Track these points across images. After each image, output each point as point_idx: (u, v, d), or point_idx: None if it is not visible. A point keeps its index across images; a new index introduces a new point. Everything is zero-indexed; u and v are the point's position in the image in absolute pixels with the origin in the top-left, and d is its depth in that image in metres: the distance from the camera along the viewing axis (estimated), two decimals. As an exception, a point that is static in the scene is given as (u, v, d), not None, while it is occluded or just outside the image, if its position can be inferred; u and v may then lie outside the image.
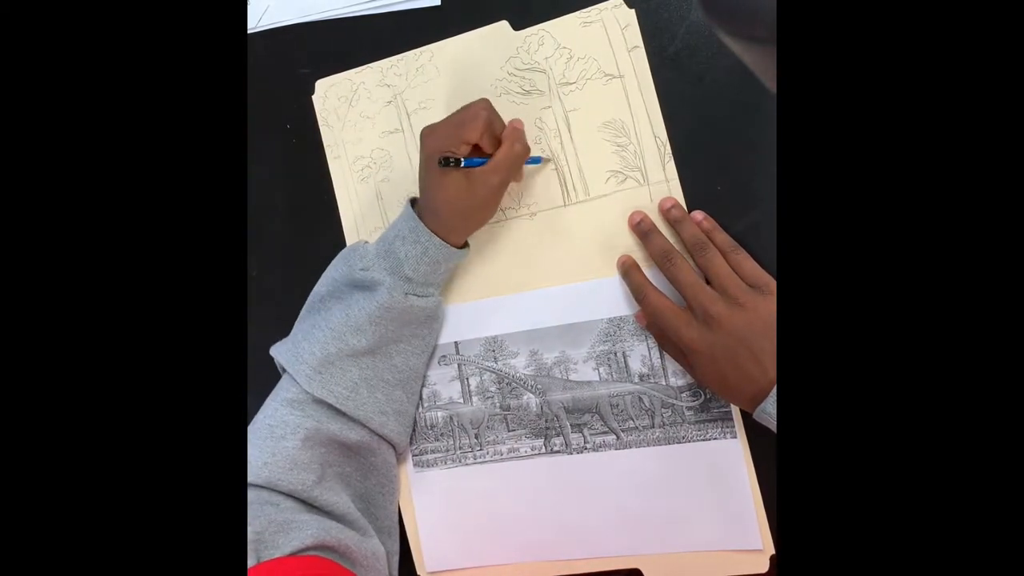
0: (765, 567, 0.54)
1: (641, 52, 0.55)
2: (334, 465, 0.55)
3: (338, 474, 0.56)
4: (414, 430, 0.62)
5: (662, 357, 0.56)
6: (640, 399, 0.56)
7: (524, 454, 0.59)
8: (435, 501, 0.62)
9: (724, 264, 0.51)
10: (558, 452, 0.58)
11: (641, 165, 0.56)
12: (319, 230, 0.64)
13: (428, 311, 0.58)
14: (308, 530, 0.49)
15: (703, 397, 0.55)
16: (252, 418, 0.56)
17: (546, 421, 0.59)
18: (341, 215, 0.64)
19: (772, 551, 0.53)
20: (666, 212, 0.55)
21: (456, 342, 0.61)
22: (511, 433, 0.60)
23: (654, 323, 0.54)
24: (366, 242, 0.59)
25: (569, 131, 0.58)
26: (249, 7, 0.65)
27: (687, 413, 0.55)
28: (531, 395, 0.59)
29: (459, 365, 0.61)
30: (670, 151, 0.55)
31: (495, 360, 0.60)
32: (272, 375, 0.58)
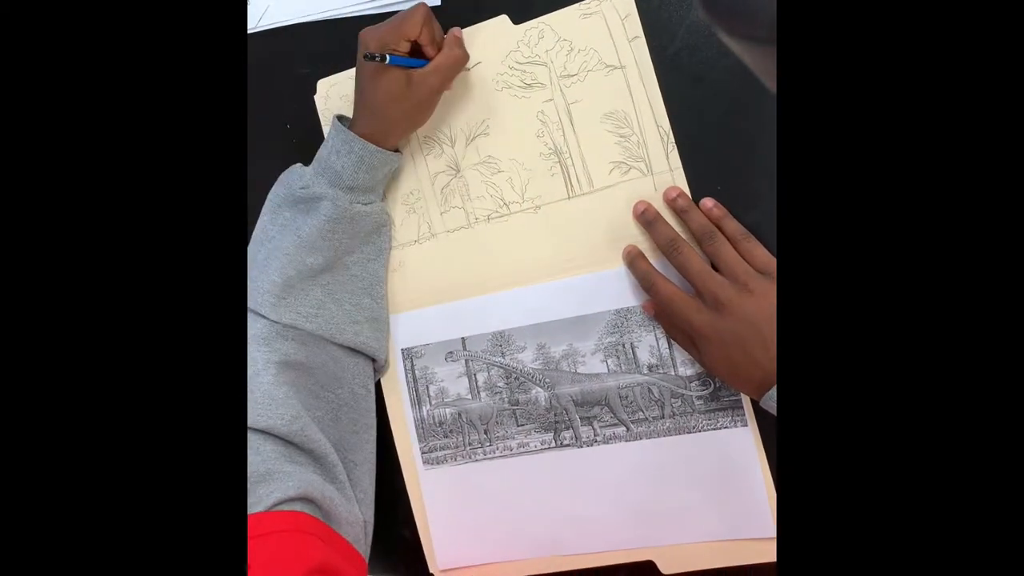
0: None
1: (642, 42, 0.55)
2: (309, 408, 0.55)
3: (313, 419, 0.55)
4: (422, 428, 0.61)
5: (670, 347, 0.56)
6: (649, 390, 0.56)
7: (534, 449, 0.59)
8: (446, 498, 0.61)
9: (732, 251, 0.51)
10: (568, 446, 0.58)
11: (644, 155, 0.56)
12: (323, 229, 0.64)
13: (374, 216, 0.59)
14: (290, 481, 0.49)
15: (713, 386, 0.55)
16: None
17: (555, 415, 0.58)
18: (345, 214, 0.63)
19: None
20: (671, 202, 0.54)
21: (463, 338, 0.60)
22: (520, 428, 0.59)
23: (662, 312, 0.54)
24: (301, 164, 0.59)
25: (571, 123, 0.57)
26: (249, 7, 0.65)
27: (697, 403, 0.55)
28: (540, 389, 0.59)
29: (466, 361, 0.61)
30: (673, 140, 0.55)
31: (502, 355, 0.60)
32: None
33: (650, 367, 0.56)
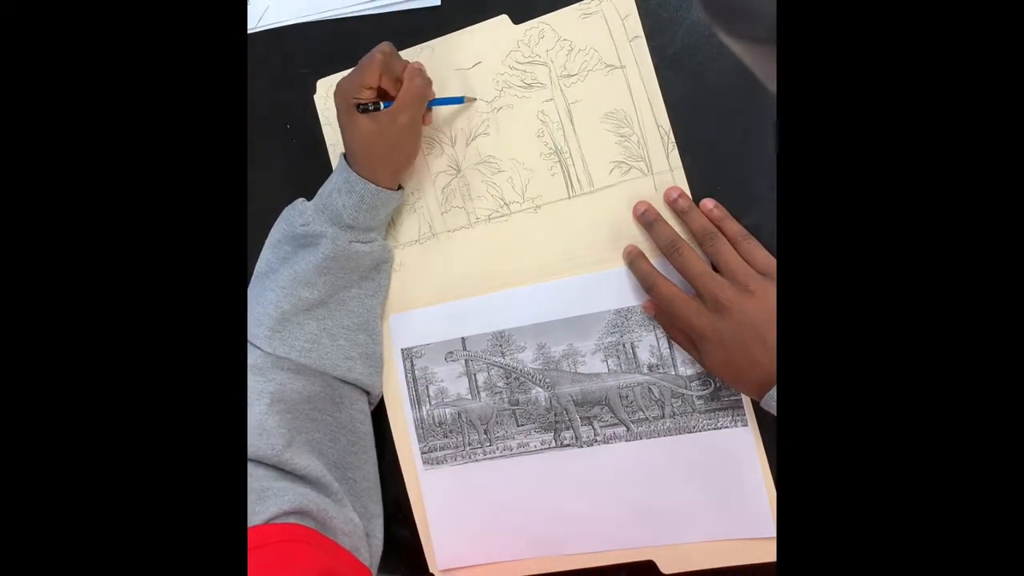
0: (779, 555, 0.53)
1: (642, 42, 0.55)
2: (302, 432, 0.55)
3: (307, 441, 0.55)
4: (422, 428, 0.61)
5: (671, 347, 0.56)
6: (650, 390, 0.56)
7: (534, 449, 0.59)
8: (446, 498, 0.61)
9: (732, 252, 0.51)
10: (568, 446, 0.58)
11: (645, 155, 0.56)
12: (322, 229, 0.64)
13: (374, 255, 0.59)
14: (285, 496, 0.49)
15: (713, 386, 0.55)
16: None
17: (555, 415, 0.58)
18: (345, 214, 0.63)
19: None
20: (672, 202, 0.54)
21: (463, 338, 0.60)
22: (520, 428, 0.59)
23: (663, 312, 0.54)
24: (303, 199, 0.60)
25: (572, 123, 0.57)
26: (249, 7, 0.65)
27: (697, 402, 0.55)
28: (540, 389, 0.59)
29: (466, 361, 0.61)
30: (673, 140, 0.55)
31: (502, 355, 0.60)
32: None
33: (650, 367, 0.56)
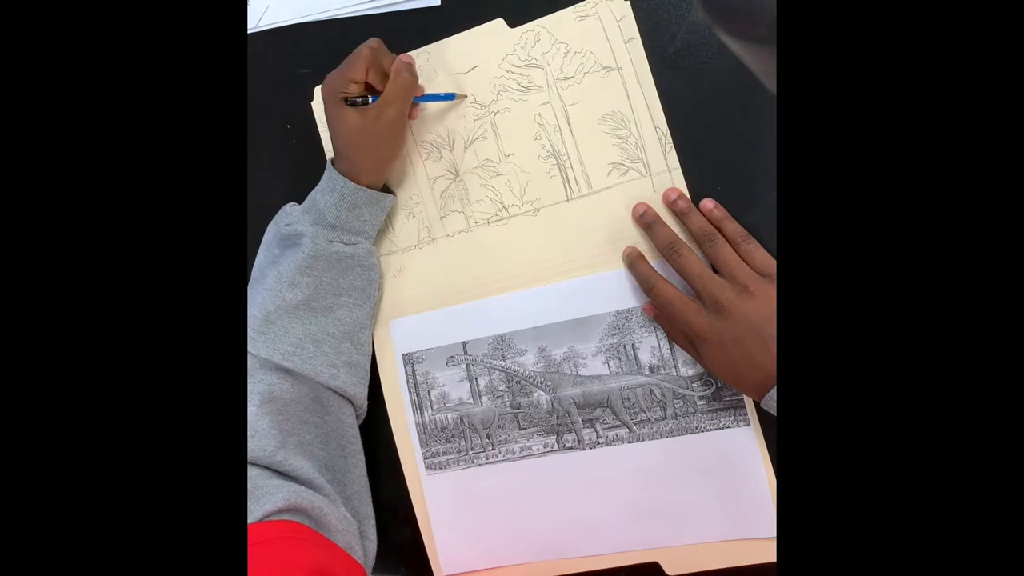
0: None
1: (638, 43, 0.55)
2: (293, 434, 0.55)
3: (298, 443, 0.55)
4: (424, 433, 0.61)
5: (672, 348, 0.55)
6: (651, 391, 0.56)
7: (536, 452, 0.59)
8: (449, 503, 0.61)
9: (732, 252, 0.51)
10: (571, 448, 0.58)
11: (643, 156, 0.56)
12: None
13: (358, 258, 0.59)
14: (279, 493, 0.49)
15: (715, 386, 0.55)
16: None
17: (557, 418, 0.58)
18: (344, 219, 0.63)
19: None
20: (672, 204, 0.54)
21: (464, 342, 0.60)
22: (523, 431, 0.59)
23: (662, 313, 0.54)
24: (295, 203, 0.60)
25: (569, 125, 0.57)
26: (249, 7, 0.65)
27: (699, 403, 0.55)
28: (541, 392, 0.59)
29: (467, 365, 0.61)
30: (671, 141, 0.55)
31: (503, 358, 0.60)
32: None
33: (651, 368, 0.56)
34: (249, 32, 0.65)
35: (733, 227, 0.52)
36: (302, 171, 0.64)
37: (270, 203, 0.65)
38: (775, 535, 0.53)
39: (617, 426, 0.57)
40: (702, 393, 0.55)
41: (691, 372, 0.55)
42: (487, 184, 0.60)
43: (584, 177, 0.57)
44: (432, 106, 0.61)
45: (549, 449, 0.59)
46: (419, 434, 0.62)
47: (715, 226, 0.53)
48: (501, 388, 0.60)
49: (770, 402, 0.48)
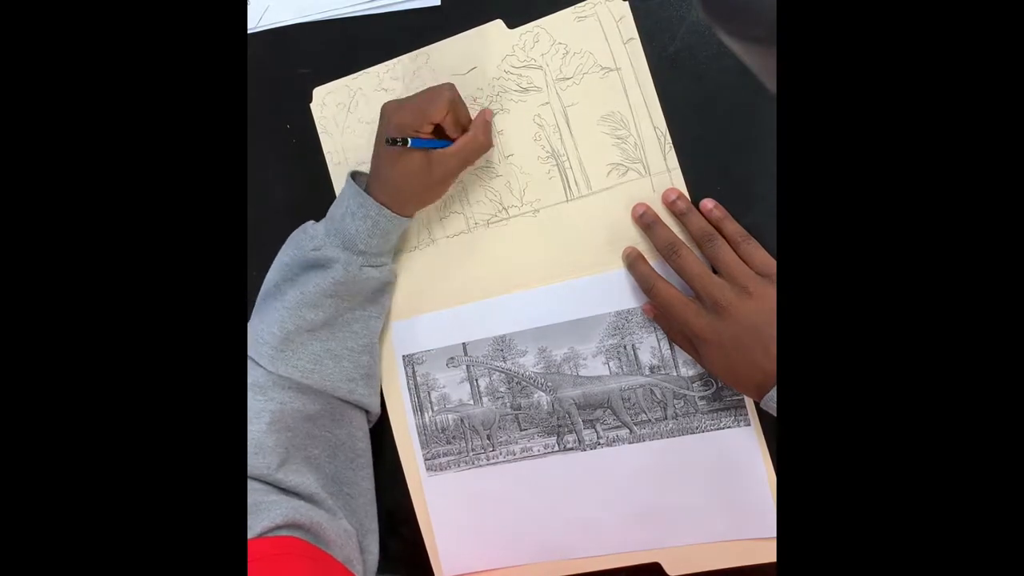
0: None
1: (637, 44, 0.55)
2: (300, 449, 0.55)
3: (304, 458, 0.55)
4: (425, 435, 0.61)
5: (672, 348, 0.55)
6: (652, 391, 0.56)
7: (537, 453, 0.59)
8: (450, 504, 0.61)
9: (731, 253, 0.51)
10: (571, 449, 0.58)
11: (642, 156, 0.56)
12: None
13: (384, 279, 0.59)
14: (277, 509, 0.49)
15: (715, 386, 0.55)
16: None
17: (558, 418, 0.58)
18: (343, 220, 0.63)
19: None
20: (671, 204, 0.54)
21: (464, 343, 0.60)
22: (523, 432, 0.59)
23: (662, 314, 0.54)
24: (313, 222, 0.59)
25: (568, 126, 0.57)
26: (249, 7, 0.65)
27: (699, 403, 0.55)
28: (542, 393, 0.59)
29: (468, 366, 0.61)
30: (670, 141, 0.55)
31: (504, 359, 0.60)
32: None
33: (652, 368, 0.56)
34: (249, 32, 0.65)
35: (733, 227, 0.52)
36: (302, 172, 0.64)
37: (270, 203, 0.65)
38: (775, 535, 0.53)
39: (618, 427, 0.57)
40: (702, 393, 0.55)
41: (691, 372, 0.55)
42: (487, 185, 0.60)
43: (583, 178, 0.57)
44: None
45: (550, 450, 0.59)
46: (420, 435, 0.62)
47: (715, 226, 0.53)
48: (501, 389, 0.60)
49: (770, 402, 0.48)
